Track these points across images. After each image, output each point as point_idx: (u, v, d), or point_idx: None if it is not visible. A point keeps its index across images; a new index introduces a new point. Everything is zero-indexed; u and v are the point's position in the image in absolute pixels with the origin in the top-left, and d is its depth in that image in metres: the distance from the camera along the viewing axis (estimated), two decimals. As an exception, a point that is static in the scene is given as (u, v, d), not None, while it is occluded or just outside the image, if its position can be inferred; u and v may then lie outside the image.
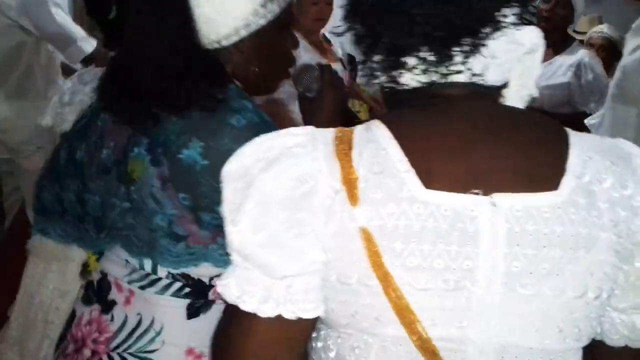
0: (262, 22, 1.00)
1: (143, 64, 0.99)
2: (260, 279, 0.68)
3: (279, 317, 0.68)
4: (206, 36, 0.99)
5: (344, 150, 0.69)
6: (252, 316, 0.68)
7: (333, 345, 0.72)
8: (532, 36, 0.72)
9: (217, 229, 0.94)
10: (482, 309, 0.66)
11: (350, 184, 0.67)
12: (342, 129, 0.73)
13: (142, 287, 1.04)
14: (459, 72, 0.69)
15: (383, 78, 0.73)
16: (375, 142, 0.69)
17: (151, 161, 0.98)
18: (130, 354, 1.04)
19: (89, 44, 2.41)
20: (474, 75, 0.70)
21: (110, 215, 1.04)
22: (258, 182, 0.68)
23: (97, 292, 1.10)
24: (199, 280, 1.03)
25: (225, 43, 1.00)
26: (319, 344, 0.74)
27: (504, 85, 0.74)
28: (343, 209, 0.66)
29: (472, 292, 0.66)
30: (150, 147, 0.99)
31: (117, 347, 1.04)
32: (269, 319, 0.68)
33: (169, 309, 1.04)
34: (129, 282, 1.05)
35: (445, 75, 0.70)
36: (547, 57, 2.85)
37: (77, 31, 2.41)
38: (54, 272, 1.86)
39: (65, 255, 1.82)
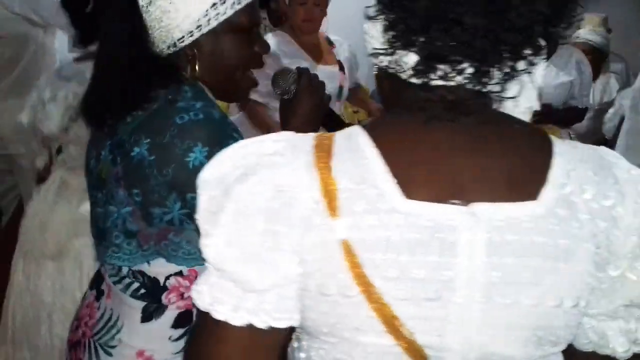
0: (214, 23, 1.03)
1: (102, 70, 1.06)
2: (232, 288, 0.68)
3: (251, 326, 0.68)
4: (161, 40, 1.03)
5: (323, 159, 0.67)
6: (224, 324, 0.68)
7: (316, 357, 0.72)
8: None
9: (169, 224, 1.01)
10: (462, 319, 0.66)
11: (330, 195, 0.65)
12: (321, 135, 0.71)
13: (114, 283, 1.09)
14: (492, 92, 0.67)
15: (408, 73, 0.68)
16: (357, 151, 0.68)
17: (111, 161, 1.05)
18: (99, 344, 1.10)
19: None
20: (502, 94, 0.68)
21: (96, 222, 1.11)
22: (235, 194, 0.67)
23: (95, 279, 1.18)
24: (155, 280, 1.06)
25: (180, 45, 1.03)
26: (302, 355, 0.74)
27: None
28: (322, 220, 0.65)
29: (452, 302, 0.65)
30: (111, 148, 1.05)
31: (95, 334, 1.11)
32: (241, 327, 0.68)
33: (128, 309, 1.08)
34: (109, 276, 1.10)
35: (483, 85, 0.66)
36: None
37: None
38: (51, 270, 1.87)
39: (60, 252, 1.85)
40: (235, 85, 1.13)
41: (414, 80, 0.68)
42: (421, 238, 0.65)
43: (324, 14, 2.72)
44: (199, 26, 1.02)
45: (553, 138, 0.72)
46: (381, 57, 0.70)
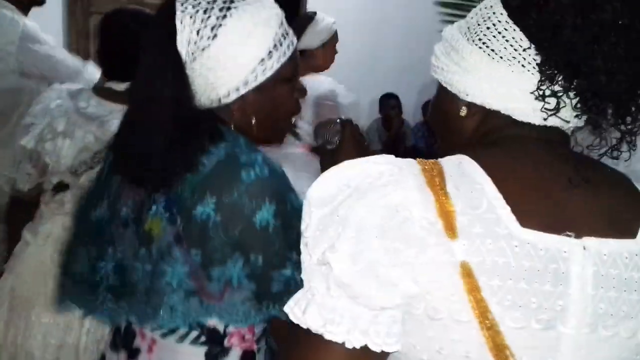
0: (261, 79, 1.01)
1: (147, 130, 0.99)
2: (346, 307, 0.66)
3: (364, 349, 0.66)
4: (206, 96, 1.01)
5: (437, 182, 0.68)
6: (336, 346, 0.66)
7: None
8: None
9: (227, 284, 0.96)
10: (571, 349, 0.68)
11: (447, 216, 0.66)
12: (423, 160, 0.72)
13: (163, 335, 1.05)
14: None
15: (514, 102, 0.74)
16: (469, 177, 0.69)
17: (168, 219, 0.98)
18: None
19: (95, 71, 2.33)
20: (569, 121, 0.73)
21: (131, 279, 1.03)
22: (352, 211, 0.67)
23: (124, 339, 1.12)
24: (214, 329, 1.04)
25: (225, 101, 1.01)
26: None
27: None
28: (439, 241, 0.65)
29: (563, 332, 0.67)
30: (167, 205, 0.99)
31: None
32: (353, 349, 0.66)
33: (188, 356, 1.04)
34: (152, 330, 1.06)
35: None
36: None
37: (79, 63, 2.43)
38: (45, 323, 1.69)
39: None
40: (278, 132, 1.13)
41: (535, 120, 0.74)
42: (536, 266, 0.66)
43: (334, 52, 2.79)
44: (246, 82, 1.00)
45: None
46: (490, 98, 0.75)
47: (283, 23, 1.05)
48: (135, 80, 1.05)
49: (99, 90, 1.81)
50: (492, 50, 0.74)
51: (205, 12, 0.98)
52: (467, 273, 0.65)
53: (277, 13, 1.05)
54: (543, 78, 0.71)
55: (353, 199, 0.68)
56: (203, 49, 0.97)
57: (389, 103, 5.45)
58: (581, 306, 0.67)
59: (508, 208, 0.67)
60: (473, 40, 0.76)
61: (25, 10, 2.41)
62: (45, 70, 2.34)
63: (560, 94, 0.70)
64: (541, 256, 0.66)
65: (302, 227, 0.71)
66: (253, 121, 1.04)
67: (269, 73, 1.01)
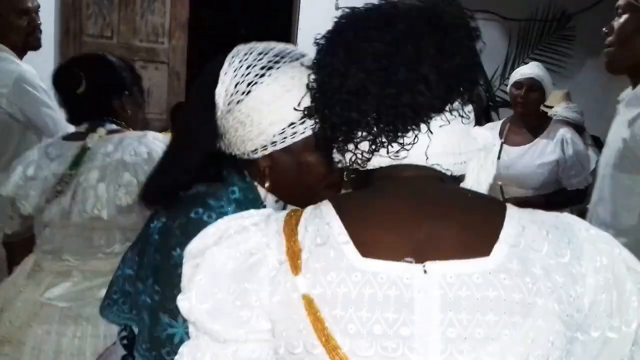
0: (290, 142, 1.00)
1: (174, 168, 1.07)
2: (208, 345, 0.73)
3: None
4: (235, 146, 1.03)
5: (291, 225, 0.74)
6: None
7: None
8: (486, 136, 0.81)
9: (168, 340, 0.97)
10: None
11: (293, 254, 0.71)
12: (294, 209, 0.79)
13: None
14: (410, 146, 0.76)
15: (348, 157, 0.81)
16: (321, 217, 0.74)
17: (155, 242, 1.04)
18: None
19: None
20: (427, 156, 0.76)
21: None
22: (208, 255, 0.74)
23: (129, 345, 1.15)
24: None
25: (253, 156, 1.02)
26: None
27: (461, 178, 0.82)
28: (286, 279, 0.70)
29: (410, 358, 0.67)
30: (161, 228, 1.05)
31: None
32: None
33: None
34: None
35: (397, 156, 0.77)
36: (528, 140, 3.02)
37: (65, 125, 2.29)
38: (64, 337, 1.71)
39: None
40: (304, 197, 1.03)
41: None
42: (378, 294, 0.68)
43: None
44: (273, 142, 1.00)
45: (508, 204, 0.77)
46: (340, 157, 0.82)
47: None
48: (179, 120, 1.23)
49: (66, 135, 1.91)
50: None
51: (248, 67, 1.00)
52: (309, 304, 0.68)
53: None
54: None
55: (215, 247, 0.75)
56: (238, 102, 0.99)
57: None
58: (426, 331, 0.67)
59: (350, 242, 0.71)
60: None
61: (20, 54, 2.50)
62: (33, 117, 2.38)
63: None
64: (382, 284, 0.68)
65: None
66: (280, 182, 1.03)
67: (298, 137, 1.00)
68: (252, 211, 0.80)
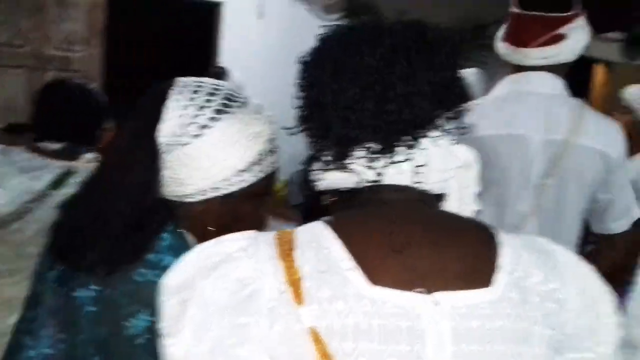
0: (232, 189, 0.98)
1: (105, 212, 0.95)
2: None
3: None
4: (171, 190, 0.98)
5: (286, 250, 0.68)
6: None
7: None
8: (465, 152, 0.79)
9: None
10: None
11: (295, 284, 0.65)
12: (281, 231, 0.73)
13: None
14: (401, 162, 0.74)
15: (330, 175, 0.77)
16: (317, 241, 0.69)
17: (54, 290, 0.99)
18: None
19: None
20: (415, 174, 0.75)
21: None
22: (198, 291, 0.68)
23: None
24: None
25: (187, 200, 0.98)
26: None
27: (441, 197, 0.79)
28: (288, 310, 0.65)
29: None
30: (62, 275, 0.98)
31: None
32: None
33: None
34: None
35: (382, 173, 0.74)
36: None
37: None
38: None
39: None
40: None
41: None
42: (389, 325, 0.65)
43: None
44: (216, 188, 0.97)
45: (494, 229, 0.76)
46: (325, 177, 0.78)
47: (273, 140, 1.03)
48: (106, 157, 1.05)
49: (32, 148, 1.86)
50: None
51: (199, 108, 0.96)
52: (316, 339, 0.64)
53: (270, 129, 1.03)
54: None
55: (201, 278, 0.68)
56: (184, 145, 0.95)
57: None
58: None
59: (356, 268, 0.66)
60: None
61: None
62: None
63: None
64: (393, 314, 0.65)
65: (159, 320, 0.69)
66: (209, 228, 0.99)
67: (242, 185, 0.98)
68: (235, 234, 0.73)
